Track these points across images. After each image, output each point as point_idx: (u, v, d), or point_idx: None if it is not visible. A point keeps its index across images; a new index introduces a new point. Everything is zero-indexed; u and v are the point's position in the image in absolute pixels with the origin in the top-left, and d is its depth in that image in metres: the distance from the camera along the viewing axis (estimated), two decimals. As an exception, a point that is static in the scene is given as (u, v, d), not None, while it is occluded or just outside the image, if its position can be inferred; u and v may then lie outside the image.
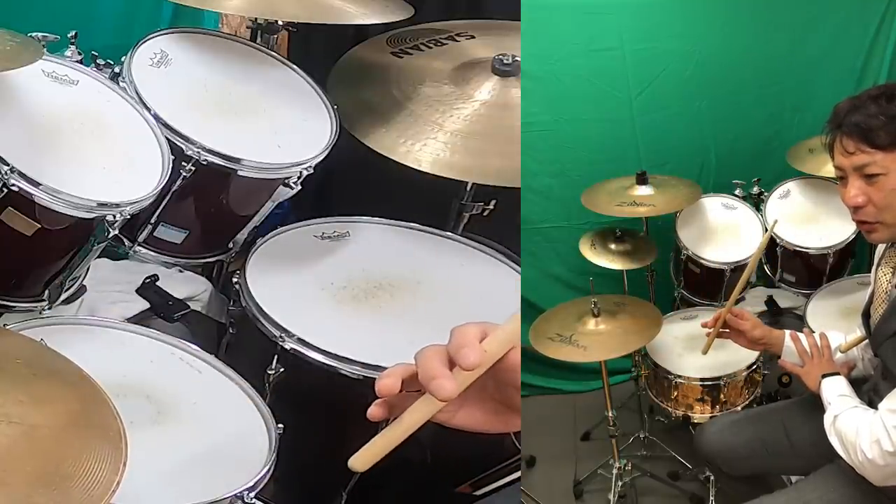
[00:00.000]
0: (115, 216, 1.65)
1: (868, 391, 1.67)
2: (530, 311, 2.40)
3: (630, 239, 2.52)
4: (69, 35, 1.84)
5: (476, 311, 1.92)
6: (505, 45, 2.14)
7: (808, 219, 2.59)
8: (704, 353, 1.96)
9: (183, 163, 1.79)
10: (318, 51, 2.41)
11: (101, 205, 1.63)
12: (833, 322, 2.34)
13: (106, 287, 1.94)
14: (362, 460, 0.98)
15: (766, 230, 2.55)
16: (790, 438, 1.83)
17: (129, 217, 1.69)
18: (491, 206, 2.12)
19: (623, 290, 2.56)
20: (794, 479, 1.96)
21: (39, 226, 1.61)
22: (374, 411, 1.01)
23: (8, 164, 1.55)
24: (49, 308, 1.77)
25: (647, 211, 2.44)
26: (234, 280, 1.82)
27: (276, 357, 1.70)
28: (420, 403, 0.98)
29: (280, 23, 2.16)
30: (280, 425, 1.56)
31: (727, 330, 1.90)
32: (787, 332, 1.84)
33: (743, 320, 1.87)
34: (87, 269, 1.86)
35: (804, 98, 2.84)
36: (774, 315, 2.62)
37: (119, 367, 1.59)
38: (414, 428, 0.97)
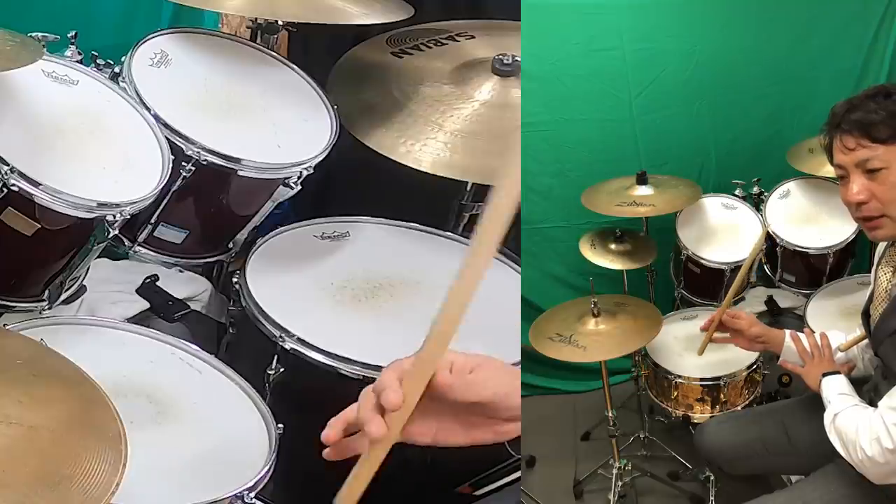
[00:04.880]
0: (115, 216, 1.65)
1: (868, 391, 1.67)
2: (530, 311, 2.40)
3: (630, 239, 2.52)
4: (69, 35, 1.84)
5: (476, 311, 1.93)
6: (505, 45, 2.14)
7: (808, 219, 2.59)
8: (700, 353, 1.98)
9: (183, 163, 1.79)
10: (318, 51, 2.41)
11: (101, 205, 1.63)
12: (833, 322, 2.34)
13: (106, 287, 1.94)
14: (345, 501, 1.04)
15: (764, 231, 2.56)
16: (790, 438, 1.83)
17: (129, 217, 1.69)
18: (491, 206, 2.12)
19: (623, 290, 2.56)
20: (794, 478, 1.97)
21: (39, 226, 1.61)
22: (328, 453, 1.09)
23: (8, 164, 1.55)
24: (49, 308, 1.77)
25: (647, 211, 2.44)
26: (234, 280, 1.82)
27: (276, 357, 1.70)
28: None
29: (280, 23, 2.16)
30: (280, 425, 1.56)
31: (726, 334, 1.90)
32: (788, 331, 1.84)
33: (739, 319, 1.87)
34: (87, 269, 1.86)
35: (804, 98, 2.84)
36: (774, 315, 2.62)
37: (119, 367, 1.59)
38: (380, 460, 1.04)
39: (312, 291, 1.85)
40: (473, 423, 1.11)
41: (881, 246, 1.66)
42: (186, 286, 2.02)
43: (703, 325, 1.93)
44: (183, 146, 1.79)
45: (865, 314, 1.67)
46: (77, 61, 1.84)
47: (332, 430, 1.08)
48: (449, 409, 1.08)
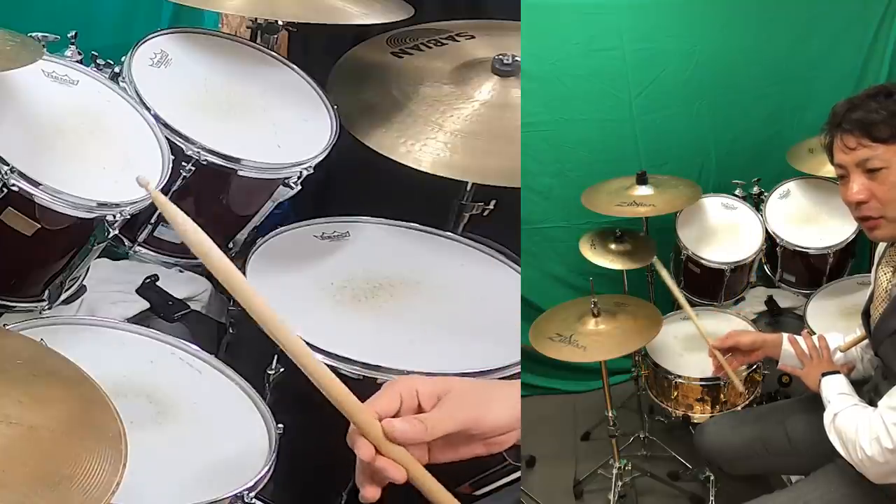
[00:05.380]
0: (115, 216, 1.65)
1: (868, 391, 1.67)
2: (530, 311, 2.40)
3: (630, 239, 2.51)
4: (69, 35, 1.84)
5: (476, 311, 1.94)
6: (505, 45, 2.13)
7: (808, 219, 2.60)
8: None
9: (183, 163, 1.79)
10: (318, 51, 2.41)
11: (101, 205, 1.63)
12: (833, 322, 2.35)
13: (106, 287, 1.94)
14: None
15: (766, 232, 2.56)
16: (790, 438, 1.83)
17: (129, 217, 1.69)
18: (491, 206, 2.12)
19: (623, 290, 2.56)
20: (794, 478, 1.97)
21: (39, 226, 1.61)
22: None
23: (8, 164, 1.55)
24: (49, 308, 1.77)
25: (647, 211, 2.44)
26: (234, 280, 1.82)
27: (276, 357, 1.70)
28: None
29: (280, 23, 2.15)
30: (280, 425, 1.56)
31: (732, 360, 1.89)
32: (785, 335, 1.84)
33: (727, 339, 1.87)
34: (87, 269, 1.86)
35: (804, 98, 2.85)
36: (774, 315, 2.62)
37: (119, 367, 1.59)
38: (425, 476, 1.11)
39: (312, 291, 1.85)
40: (462, 443, 1.13)
41: (881, 246, 1.66)
42: (186, 286, 2.02)
43: (713, 372, 1.93)
44: (183, 146, 1.79)
45: (865, 314, 1.67)
46: (77, 61, 1.83)
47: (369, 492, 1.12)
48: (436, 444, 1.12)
